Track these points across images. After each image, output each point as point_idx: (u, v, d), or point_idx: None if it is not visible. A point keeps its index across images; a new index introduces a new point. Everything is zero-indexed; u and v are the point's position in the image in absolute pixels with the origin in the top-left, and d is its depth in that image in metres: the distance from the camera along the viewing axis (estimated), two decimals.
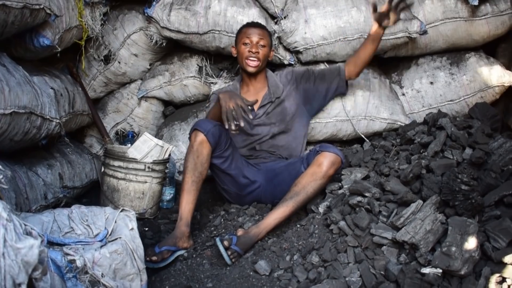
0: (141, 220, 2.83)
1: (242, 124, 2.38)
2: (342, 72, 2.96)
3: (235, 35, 3.15)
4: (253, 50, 2.86)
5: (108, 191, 2.87)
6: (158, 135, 3.54)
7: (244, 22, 3.12)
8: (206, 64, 3.48)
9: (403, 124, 3.16)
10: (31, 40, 2.59)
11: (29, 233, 1.19)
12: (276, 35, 3.18)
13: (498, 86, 3.21)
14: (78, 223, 1.95)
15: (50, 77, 2.82)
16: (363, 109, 3.18)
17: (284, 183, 2.60)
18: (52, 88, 2.73)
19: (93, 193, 3.18)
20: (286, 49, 3.30)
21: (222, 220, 2.66)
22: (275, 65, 3.32)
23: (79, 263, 1.64)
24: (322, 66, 3.29)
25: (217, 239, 2.27)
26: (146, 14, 3.26)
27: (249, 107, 2.47)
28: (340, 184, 2.54)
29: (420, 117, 3.27)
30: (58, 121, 2.58)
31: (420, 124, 2.92)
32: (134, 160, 2.81)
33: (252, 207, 2.73)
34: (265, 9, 3.31)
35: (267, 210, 2.69)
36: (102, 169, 2.93)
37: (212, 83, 3.43)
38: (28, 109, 2.26)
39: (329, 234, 2.22)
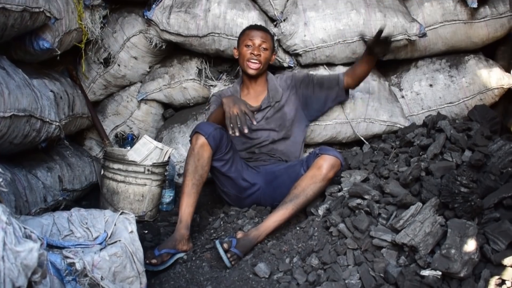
0: (141, 222, 2.83)
1: (246, 130, 2.38)
2: (341, 82, 2.94)
3: (234, 38, 3.16)
4: (255, 52, 2.86)
5: (108, 194, 2.87)
6: (157, 137, 3.55)
7: (244, 25, 3.12)
8: (206, 66, 3.48)
9: (402, 127, 3.16)
10: (30, 43, 2.59)
11: (28, 236, 1.19)
12: (275, 37, 3.19)
13: (497, 88, 3.22)
14: (78, 226, 1.95)
15: (50, 80, 2.82)
16: (362, 111, 3.19)
17: (283, 186, 2.60)
18: (51, 91, 2.73)
19: (93, 196, 3.17)
20: (286, 51, 3.30)
21: (221, 222, 2.66)
22: (274, 68, 3.32)
23: (78, 266, 1.64)
24: (321, 69, 3.30)
25: (217, 242, 2.27)
26: (145, 17, 3.27)
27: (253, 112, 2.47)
28: (339, 186, 2.54)
29: (419, 119, 3.28)
30: (57, 124, 2.58)
31: (420, 126, 2.92)
32: (133, 163, 2.81)
33: (252, 209, 2.73)
34: (264, 12, 3.32)
35: (267, 212, 2.69)
36: (102, 172, 2.93)
37: (211, 85, 3.43)
38: (27, 112, 2.27)
39: (328, 237, 2.22)
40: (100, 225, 1.97)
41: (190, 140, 2.57)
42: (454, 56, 3.40)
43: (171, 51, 3.60)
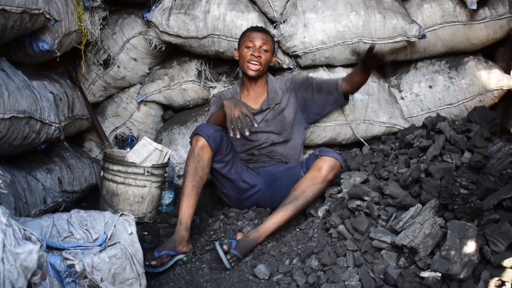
0: (140, 224, 2.82)
1: (247, 133, 2.38)
2: (340, 87, 2.90)
3: (234, 39, 3.16)
4: (256, 54, 2.86)
5: (107, 196, 2.87)
6: (157, 139, 3.54)
7: (243, 27, 3.13)
8: (205, 68, 3.48)
9: (402, 128, 3.16)
10: (30, 45, 2.59)
11: (28, 238, 1.19)
12: (275, 39, 3.19)
13: (496, 89, 3.22)
14: (77, 227, 1.95)
15: (50, 81, 2.82)
16: (362, 113, 3.19)
17: (283, 187, 2.60)
18: (51, 92, 2.73)
19: (92, 198, 3.17)
20: (285, 53, 3.31)
21: (221, 224, 2.66)
22: (274, 69, 3.32)
23: (78, 267, 1.64)
24: (321, 70, 3.30)
25: (217, 243, 2.27)
26: (145, 19, 3.27)
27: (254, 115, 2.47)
28: (339, 188, 2.54)
29: (419, 121, 3.28)
30: (57, 125, 2.58)
31: (419, 128, 2.92)
32: (133, 164, 2.81)
33: (252, 211, 2.73)
34: (264, 14, 3.32)
35: (266, 214, 2.69)
36: (101, 173, 2.93)
37: (211, 87, 3.43)
38: (27, 113, 2.26)
39: (328, 238, 2.22)
40: (99, 226, 1.97)
41: (190, 142, 2.57)
42: (453, 57, 3.40)
43: (170, 53, 3.60)
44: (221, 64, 3.53)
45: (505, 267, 1.82)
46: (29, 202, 2.39)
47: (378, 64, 2.70)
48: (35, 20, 2.39)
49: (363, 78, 2.82)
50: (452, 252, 1.82)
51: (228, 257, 2.23)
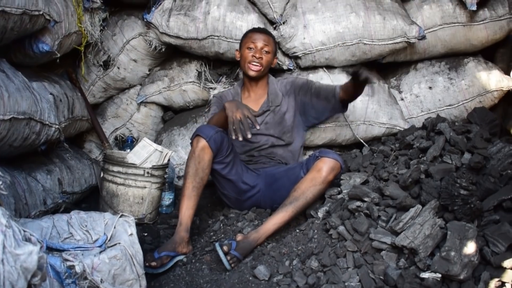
0: (140, 225, 2.82)
1: (249, 135, 2.38)
2: (337, 95, 2.83)
3: (234, 41, 3.17)
4: (257, 55, 2.86)
5: (107, 197, 2.87)
6: (157, 140, 3.54)
7: (243, 28, 3.13)
8: (205, 69, 3.48)
9: (402, 129, 3.16)
10: (30, 46, 2.59)
11: (28, 239, 1.19)
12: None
13: (496, 90, 3.22)
14: (77, 228, 1.94)
15: (50, 82, 2.83)
16: (362, 114, 3.19)
17: (283, 188, 2.60)
18: (51, 93, 2.73)
19: (92, 199, 3.17)
20: (285, 54, 3.31)
21: (221, 225, 2.66)
22: (274, 70, 3.32)
23: (78, 268, 1.64)
24: (321, 71, 3.30)
25: (217, 244, 2.27)
26: (145, 20, 3.27)
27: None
28: (339, 189, 2.54)
29: (419, 121, 3.28)
30: (57, 126, 2.58)
31: (419, 129, 2.93)
32: (133, 166, 2.81)
33: (252, 212, 2.73)
34: (264, 15, 3.32)
35: (266, 215, 2.69)
36: (101, 175, 2.93)
37: (211, 88, 3.43)
38: (27, 114, 2.27)
39: (328, 239, 2.22)
40: (99, 227, 1.97)
41: (191, 143, 2.57)
42: (453, 58, 3.40)
43: (170, 54, 3.60)
44: (221, 65, 3.53)
45: (505, 268, 1.82)
46: (29, 203, 2.39)
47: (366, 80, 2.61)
48: (35, 21, 2.39)
49: (356, 92, 2.77)
50: (452, 253, 1.82)
51: (228, 258, 2.23)
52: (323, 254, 2.12)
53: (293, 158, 2.98)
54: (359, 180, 2.53)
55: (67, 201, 2.80)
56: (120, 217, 2.03)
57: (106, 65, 3.48)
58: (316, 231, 2.30)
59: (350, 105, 3.14)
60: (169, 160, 2.93)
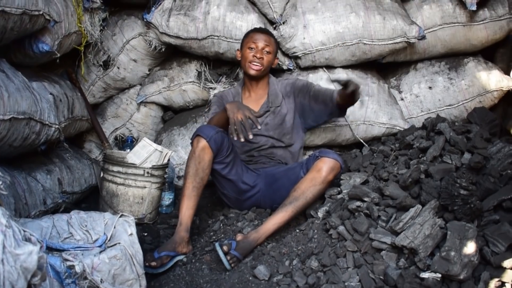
0: (140, 225, 2.82)
1: (251, 136, 2.39)
2: (334, 99, 2.79)
3: (234, 40, 3.17)
4: (258, 55, 2.86)
5: (107, 196, 2.87)
6: (157, 140, 3.54)
7: (243, 28, 3.13)
8: (205, 69, 3.48)
9: (402, 129, 3.16)
10: (30, 46, 2.59)
11: (28, 239, 1.19)
12: None
13: (496, 90, 3.22)
14: (77, 228, 1.95)
15: (49, 82, 2.83)
16: (361, 114, 3.19)
17: (283, 188, 2.60)
18: (51, 93, 2.73)
19: (92, 199, 3.17)
20: (285, 54, 3.31)
21: (221, 225, 2.66)
22: (274, 70, 3.32)
23: (78, 268, 1.64)
24: (321, 71, 3.30)
25: (217, 244, 2.27)
26: (145, 20, 3.27)
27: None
28: (339, 189, 2.54)
29: (419, 121, 3.28)
30: (57, 126, 2.58)
31: (419, 128, 2.93)
32: (133, 165, 2.81)
33: (251, 212, 2.73)
34: (264, 15, 3.32)
35: (266, 215, 2.69)
36: (101, 174, 2.93)
37: (211, 88, 3.43)
38: (27, 114, 2.27)
39: (328, 239, 2.22)
40: (99, 227, 1.97)
41: (191, 143, 2.57)
42: (453, 58, 3.40)
43: (170, 54, 3.60)
44: (221, 65, 3.53)
45: (505, 268, 1.82)
46: (29, 203, 2.39)
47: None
48: (35, 21, 2.39)
49: (350, 100, 2.73)
50: (452, 253, 1.82)
51: (228, 258, 2.23)
52: (323, 254, 2.13)
53: (293, 158, 2.98)
54: (359, 180, 2.53)
55: (67, 201, 2.80)
56: (120, 217, 2.03)
57: (106, 65, 3.48)
58: (316, 231, 2.30)
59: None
60: (169, 160, 2.93)
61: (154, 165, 2.83)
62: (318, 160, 2.50)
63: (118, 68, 3.49)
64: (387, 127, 3.21)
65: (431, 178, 2.24)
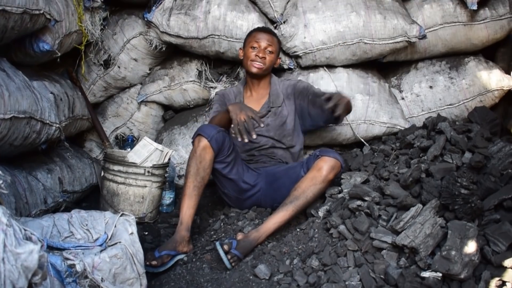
0: (141, 224, 2.83)
1: (254, 136, 2.38)
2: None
3: (234, 40, 3.17)
4: (260, 55, 2.86)
5: (108, 196, 2.87)
6: (157, 139, 3.55)
7: (244, 27, 3.13)
8: (206, 68, 3.48)
9: (402, 128, 3.16)
10: (30, 45, 2.59)
11: (29, 238, 1.19)
12: None
13: (497, 90, 3.22)
14: (78, 227, 1.95)
15: (50, 81, 2.83)
16: (362, 113, 3.19)
17: (284, 187, 2.60)
18: (51, 92, 2.73)
19: (93, 198, 3.18)
20: (286, 53, 3.31)
21: (221, 224, 2.66)
22: (274, 69, 3.32)
23: (78, 267, 1.64)
24: (321, 71, 3.29)
25: (217, 243, 2.27)
26: (145, 19, 3.27)
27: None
28: (339, 188, 2.54)
29: (419, 121, 3.28)
30: (57, 125, 2.58)
31: (420, 128, 2.93)
32: (133, 165, 2.81)
33: (252, 211, 2.73)
34: (264, 14, 3.32)
35: (267, 214, 2.69)
36: (102, 174, 2.93)
37: (211, 87, 3.43)
38: (28, 114, 2.27)
39: (329, 238, 2.22)
40: (100, 226, 1.97)
41: (193, 142, 2.57)
42: (454, 58, 3.40)
43: (171, 53, 3.60)
44: (222, 64, 3.53)
45: (506, 267, 1.82)
46: (29, 202, 2.39)
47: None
48: (35, 20, 2.39)
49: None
50: (453, 252, 1.82)
51: (229, 257, 2.23)
52: (324, 253, 2.13)
53: (293, 159, 2.98)
54: (360, 179, 2.53)
55: (67, 200, 2.80)
56: (121, 216, 2.03)
57: (107, 64, 3.49)
58: (316, 230, 2.31)
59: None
60: (169, 159, 2.93)
61: (154, 164, 2.83)
62: (318, 159, 2.50)
63: (119, 67, 3.50)
64: (388, 127, 3.21)
65: (431, 178, 2.24)
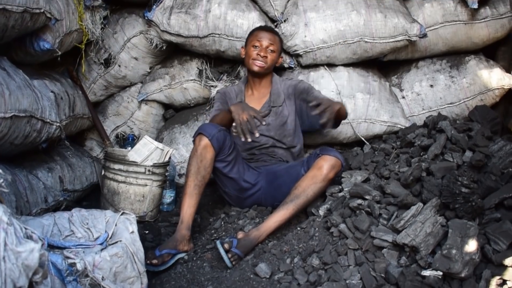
0: (142, 223, 2.83)
1: (257, 135, 2.38)
2: None
3: (235, 39, 3.17)
4: (262, 53, 2.86)
5: (109, 194, 2.87)
6: (158, 138, 3.55)
7: (244, 26, 3.13)
8: (206, 67, 3.48)
9: (403, 127, 3.16)
10: (31, 44, 2.59)
11: (29, 237, 1.19)
12: None
13: (498, 89, 3.21)
14: (79, 226, 1.95)
15: (50, 80, 2.83)
16: (363, 112, 3.19)
17: (284, 186, 2.60)
18: (52, 91, 2.74)
19: (94, 196, 3.18)
20: (286, 52, 3.30)
21: (222, 223, 2.66)
22: (275, 68, 3.31)
23: (79, 266, 1.64)
24: (322, 69, 3.29)
25: (218, 242, 2.27)
26: (146, 18, 3.27)
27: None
28: (340, 187, 2.54)
29: (420, 120, 3.28)
30: (58, 124, 2.59)
31: (420, 127, 2.92)
32: (134, 163, 2.82)
33: (253, 210, 2.73)
34: (265, 13, 3.32)
35: (268, 213, 2.69)
36: (103, 172, 2.93)
37: (212, 86, 3.43)
38: (28, 112, 2.27)
39: (329, 237, 2.22)
40: (101, 225, 1.97)
41: (194, 141, 2.57)
42: (454, 56, 3.40)
43: (171, 52, 3.60)
44: (222, 63, 3.53)
45: (506, 266, 1.82)
46: (30, 201, 2.39)
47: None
48: (36, 19, 2.39)
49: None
50: (454, 251, 1.82)
51: (229, 255, 2.23)
52: (324, 252, 2.13)
53: (293, 158, 2.97)
54: (360, 178, 2.53)
55: (68, 199, 2.80)
56: (121, 214, 2.03)
57: (107, 63, 3.49)
58: (317, 229, 2.31)
59: (351, 103, 3.14)
60: (170, 158, 2.93)
61: (155, 163, 2.83)
62: (319, 158, 2.50)
63: (119, 66, 3.50)
64: (388, 125, 3.21)
65: (432, 176, 2.24)
